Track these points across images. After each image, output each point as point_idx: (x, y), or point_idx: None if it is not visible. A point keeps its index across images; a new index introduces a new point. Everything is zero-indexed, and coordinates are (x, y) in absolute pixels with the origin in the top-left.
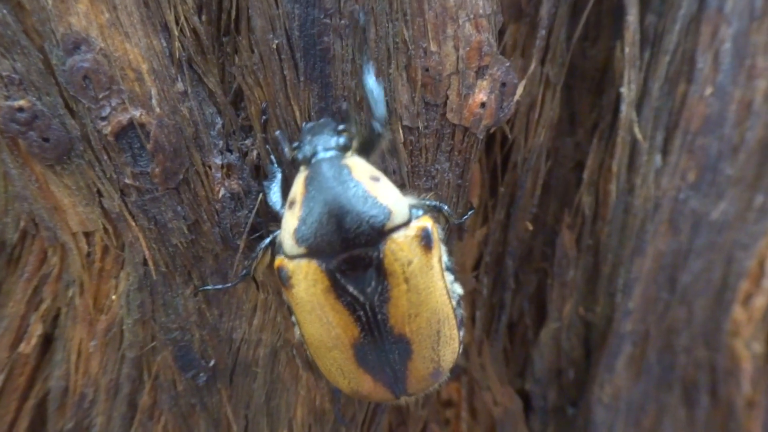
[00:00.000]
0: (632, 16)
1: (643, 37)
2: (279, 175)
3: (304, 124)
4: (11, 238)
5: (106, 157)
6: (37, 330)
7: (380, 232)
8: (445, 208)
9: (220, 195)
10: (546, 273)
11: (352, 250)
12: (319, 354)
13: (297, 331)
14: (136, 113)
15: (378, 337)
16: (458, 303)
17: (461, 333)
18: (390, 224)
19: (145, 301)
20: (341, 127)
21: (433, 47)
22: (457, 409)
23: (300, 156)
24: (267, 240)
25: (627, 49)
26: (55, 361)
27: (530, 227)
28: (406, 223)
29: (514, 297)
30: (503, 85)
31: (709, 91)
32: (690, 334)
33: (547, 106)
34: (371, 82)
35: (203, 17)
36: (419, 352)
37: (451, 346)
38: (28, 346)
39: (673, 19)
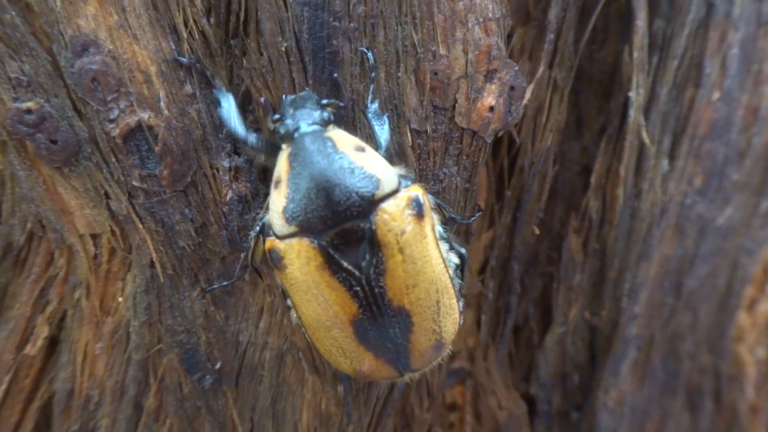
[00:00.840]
0: (641, 21)
1: (652, 42)
2: (229, 98)
3: (284, 97)
4: (18, 239)
5: (114, 160)
6: (43, 332)
7: (370, 202)
8: (447, 208)
9: (228, 198)
10: (552, 277)
11: (343, 224)
12: (317, 335)
13: (293, 314)
14: (145, 116)
15: (377, 311)
16: (455, 273)
17: (461, 303)
18: (380, 193)
19: (151, 303)
20: (324, 101)
21: (442, 51)
22: (461, 412)
23: (282, 130)
24: (257, 227)
25: (635, 54)
26: (60, 363)
27: (537, 231)
28: (396, 192)
29: (520, 301)
30: (512, 89)
31: (716, 96)
32: (695, 339)
33: (554, 110)
34: (376, 112)
35: (212, 19)
36: (420, 324)
37: (451, 317)
38: (34, 347)
39: (682, 24)
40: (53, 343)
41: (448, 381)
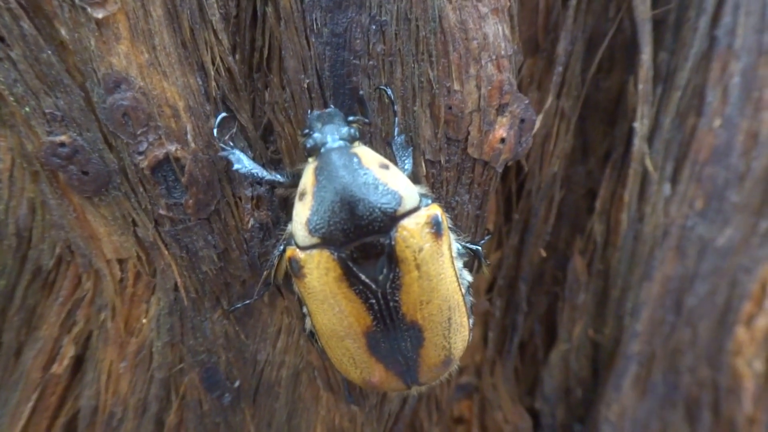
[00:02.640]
0: (646, 55)
1: (656, 73)
2: (240, 153)
3: (309, 112)
4: (47, 263)
5: (141, 189)
6: (69, 351)
7: (392, 218)
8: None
9: (249, 225)
10: (557, 296)
11: (364, 238)
12: (330, 344)
13: (308, 322)
14: (172, 148)
15: (390, 324)
16: (467, 290)
17: (471, 321)
18: (401, 210)
19: (174, 324)
20: (351, 118)
21: (457, 86)
22: (468, 426)
23: (309, 144)
24: (280, 246)
25: (641, 86)
26: (85, 381)
27: (544, 254)
28: (417, 210)
29: (525, 318)
30: (522, 121)
31: (717, 123)
32: (694, 354)
33: (561, 137)
34: (401, 145)
35: (236, 56)
36: (431, 340)
37: (461, 334)
38: (61, 366)
39: (685, 57)
40: (78, 362)
41: (455, 395)
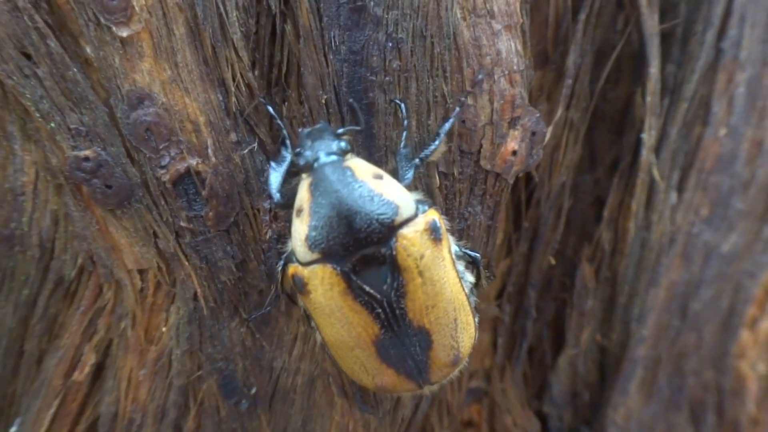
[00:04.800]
0: (654, 68)
1: (663, 85)
2: (288, 160)
3: (300, 130)
4: (69, 274)
5: (163, 202)
6: (90, 359)
7: (390, 228)
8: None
9: (267, 236)
10: (565, 302)
11: (364, 250)
12: (341, 354)
13: (318, 336)
14: (193, 162)
15: (398, 331)
16: (471, 291)
17: (476, 319)
18: (398, 219)
19: (193, 333)
20: (340, 130)
21: (470, 101)
22: (477, 429)
23: (302, 162)
24: (281, 260)
25: (648, 98)
26: (105, 388)
27: (553, 262)
28: (414, 217)
29: (534, 324)
30: (533, 134)
31: (723, 132)
32: (699, 357)
33: (570, 148)
34: (406, 156)
35: (256, 72)
36: (439, 341)
37: (468, 332)
38: (82, 374)
39: (692, 69)
40: (99, 370)
41: (465, 400)
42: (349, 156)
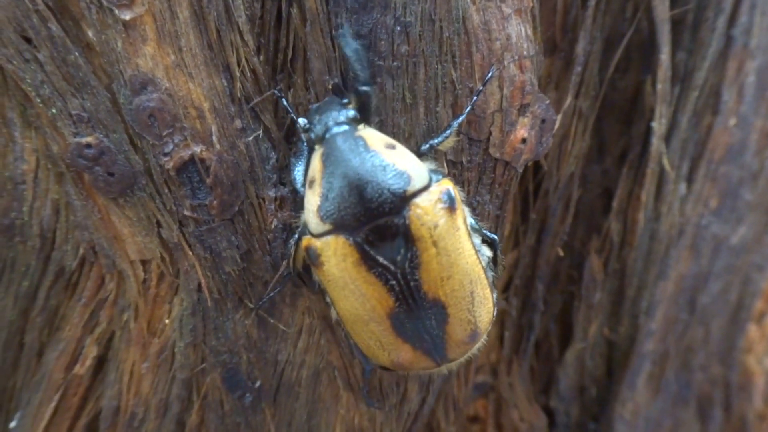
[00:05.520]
0: (665, 55)
1: (674, 73)
2: (306, 153)
3: (310, 106)
4: (70, 264)
5: (166, 191)
6: (92, 352)
7: (402, 198)
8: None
9: (273, 226)
10: (572, 295)
11: (377, 220)
12: (356, 329)
13: (333, 312)
14: (197, 149)
15: (413, 304)
16: (488, 265)
17: (494, 294)
18: (411, 189)
19: (197, 325)
20: (345, 100)
21: (479, 86)
22: (483, 425)
23: (313, 135)
24: (296, 234)
25: (659, 86)
26: (107, 381)
27: (561, 253)
28: (427, 187)
29: (541, 317)
30: (543, 121)
31: (733, 121)
32: (706, 352)
33: (579, 137)
34: (351, 43)
35: (261, 57)
36: (455, 315)
37: (485, 307)
38: (83, 367)
39: (703, 57)
40: (101, 363)
41: (472, 394)
42: (361, 126)
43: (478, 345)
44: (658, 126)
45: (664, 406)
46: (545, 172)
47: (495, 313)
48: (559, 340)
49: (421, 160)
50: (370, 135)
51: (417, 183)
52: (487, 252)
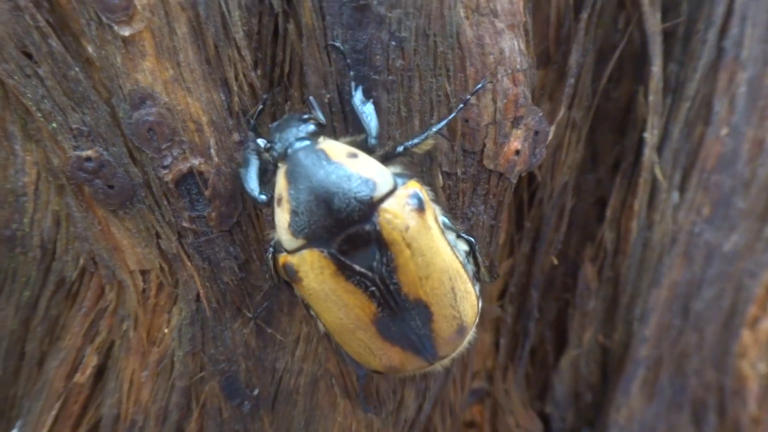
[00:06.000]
0: (657, 67)
1: (665, 84)
2: (255, 161)
3: (270, 126)
4: (71, 275)
5: (165, 203)
6: (92, 361)
7: (370, 205)
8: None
9: (270, 236)
10: (567, 302)
11: (348, 229)
12: (344, 339)
13: (320, 326)
14: (196, 162)
15: (396, 307)
16: (466, 258)
17: (476, 287)
18: (378, 195)
19: (196, 334)
20: (306, 115)
21: (473, 100)
22: (479, 430)
23: (275, 154)
24: (270, 248)
25: (651, 97)
26: (107, 390)
27: (555, 261)
28: (393, 191)
29: (536, 324)
30: (536, 133)
31: (724, 131)
32: (700, 357)
33: (572, 147)
34: (361, 101)
35: (258, 71)
36: (439, 312)
37: (468, 301)
38: (83, 376)
39: (694, 68)
40: (100, 371)
41: (468, 400)
42: (321, 138)
43: (468, 338)
44: (651, 136)
45: (658, 411)
46: (539, 181)
47: (480, 306)
48: (554, 347)
49: (391, 163)
50: (331, 147)
51: (383, 188)
52: (463, 247)
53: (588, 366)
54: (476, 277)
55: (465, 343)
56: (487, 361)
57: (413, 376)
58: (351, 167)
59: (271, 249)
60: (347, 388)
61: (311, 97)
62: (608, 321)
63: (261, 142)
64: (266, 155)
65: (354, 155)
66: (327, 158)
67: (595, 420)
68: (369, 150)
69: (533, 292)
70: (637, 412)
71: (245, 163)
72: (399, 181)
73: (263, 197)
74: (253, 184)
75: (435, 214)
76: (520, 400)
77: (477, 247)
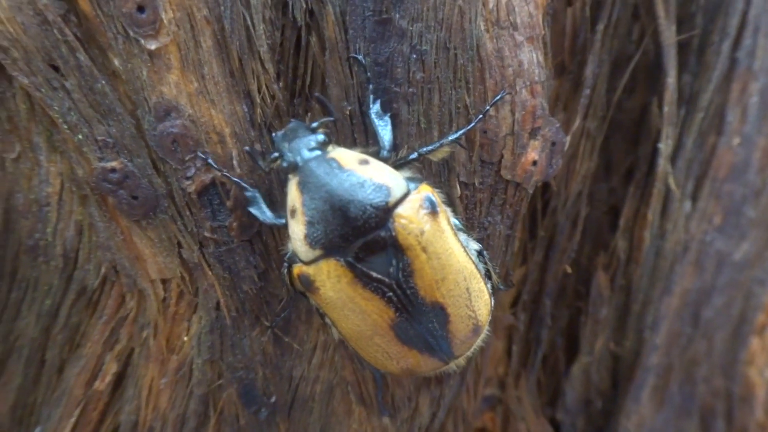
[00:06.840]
0: (671, 78)
1: (679, 96)
2: (258, 195)
3: (273, 134)
4: (92, 283)
5: (188, 213)
6: (111, 369)
7: (385, 211)
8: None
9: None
10: (579, 309)
11: (365, 237)
12: (361, 345)
13: (335, 333)
14: (218, 173)
15: (413, 311)
16: (478, 258)
17: (488, 285)
18: (392, 200)
19: (215, 342)
20: (314, 124)
21: (492, 111)
22: None
23: (285, 164)
24: (285, 265)
25: (666, 108)
26: (126, 397)
27: (568, 269)
28: (407, 196)
29: (548, 331)
30: (553, 144)
31: (736, 141)
32: (709, 365)
33: (586, 157)
34: (377, 114)
35: (281, 84)
36: (456, 313)
37: (482, 299)
38: (103, 383)
39: (708, 80)
40: (120, 378)
41: (480, 407)
42: (330, 147)
43: (482, 337)
44: (665, 146)
45: (668, 418)
46: (553, 190)
47: (493, 304)
48: (566, 354)
49: (402, 168)
50: (342, 155)
51: (396, 193)
52: (474, 246)
53: (599, 373)
54: (487, 275)
55: (479, 340)
56: (499, 368)
57: (428, 381)
58: (364, 174)
59: (285, 265)
60: (363, 396)
61: (317, 94)
62: (620, 329)
63: (259, 157)
64: (272, 164)
65: (365, 161)
66: (339, 167)
67: (605, 427)
68: (381, 161)
69: (546, 300)
70: (647, 419)
71: (251, 202)
72: (411, 185)
73: (282, 220)
74: (268, 213)
75: (447, 216)
76: (532, 407)
77: (487, 254)
